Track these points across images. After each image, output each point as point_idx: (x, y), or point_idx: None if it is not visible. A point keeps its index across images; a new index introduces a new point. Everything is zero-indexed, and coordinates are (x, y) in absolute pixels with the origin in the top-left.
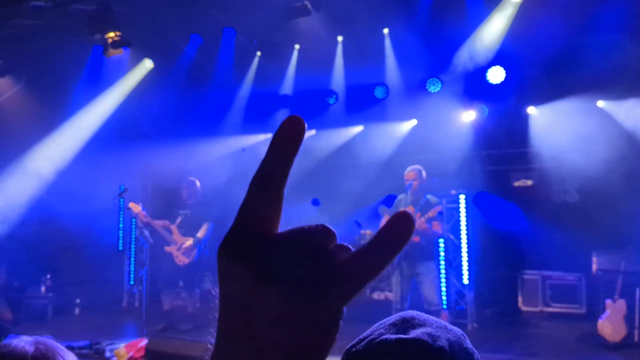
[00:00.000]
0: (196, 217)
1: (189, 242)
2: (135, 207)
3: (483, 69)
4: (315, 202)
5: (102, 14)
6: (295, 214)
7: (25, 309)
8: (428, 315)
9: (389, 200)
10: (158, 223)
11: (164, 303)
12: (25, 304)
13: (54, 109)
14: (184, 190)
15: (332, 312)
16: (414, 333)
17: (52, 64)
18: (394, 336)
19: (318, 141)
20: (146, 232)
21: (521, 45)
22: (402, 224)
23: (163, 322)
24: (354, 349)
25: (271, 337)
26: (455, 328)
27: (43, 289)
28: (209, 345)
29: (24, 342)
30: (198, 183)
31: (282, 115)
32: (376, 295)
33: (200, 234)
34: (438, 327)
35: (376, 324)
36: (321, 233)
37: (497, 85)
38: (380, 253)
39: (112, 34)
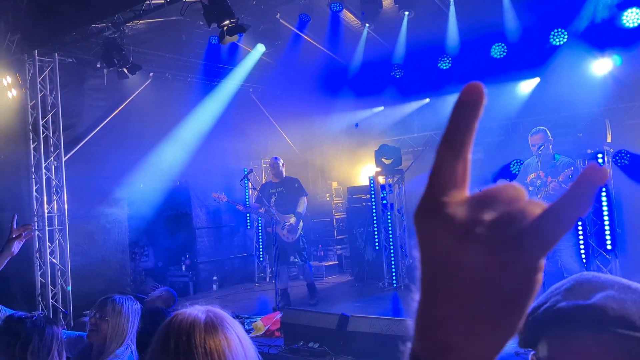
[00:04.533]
0: (291, 192)
1: (292, 219)
2: (221, 197)
3: (617, 12)
4: None
5: (217, 2)
6: (415, 183)
7: (170, 286)
8: (606, 276)
9: (505, 171)
10: (260, 210)
11: (280, 282)
12: (169, 282)
13: (180, 100)
14: (272, 168)
15: (531, 264)
16: (595, 298)
17: (174, 57)
18: (572, 302)
19: (433, 109)
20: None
21: None
22: (594, 175)
23: (282, 300)
24: (530, 317)
25: (477, 291)
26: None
27: (183, 267)
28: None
29: (197, 310)
30: (281, 162)
31: (392, 90)
32: None
33: (299, 208)
34: (620, 288)
35: (550, 290)
36: (511, 190)
37: (634, 29)
38: (572, 207)
39: (227, 22)
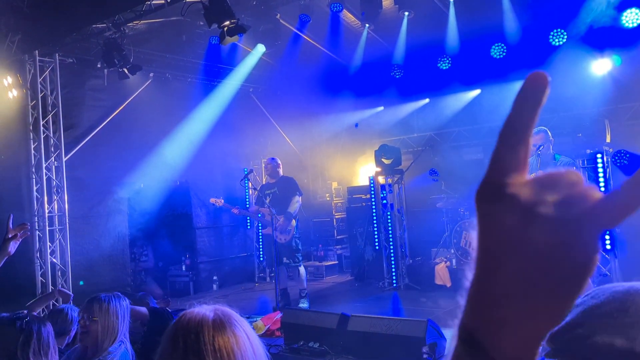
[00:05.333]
0: (284, 192)
1: (281, 218)
2: (218, 202)
3: (616, 13)
4: (433, 172)
5: (217, 3)
6: (414, 183)
7: (170, 286)
8: None
9: None
10: (252, 210)
11: (280, 282)
12: (170, 282)
13: (180, 100)
14: (266, 169)
15: (590, 244)
16: (636, 343)
17: (175, 57)
18: (610, 340)
19: (433, 109)
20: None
21: None
22: None
23: (282, 300)
24: (563, 336)
25: (536, 268)
26: None
27: (183, 267)
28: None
29: (205, 309)
30: (277, 162)
31: (392, 90)
32: None
33: (291, 208)
34: None
35: (585, 307)
36: (571, 174)
37: (633, 29)
38: (631, 201)
39: (227, 22)
